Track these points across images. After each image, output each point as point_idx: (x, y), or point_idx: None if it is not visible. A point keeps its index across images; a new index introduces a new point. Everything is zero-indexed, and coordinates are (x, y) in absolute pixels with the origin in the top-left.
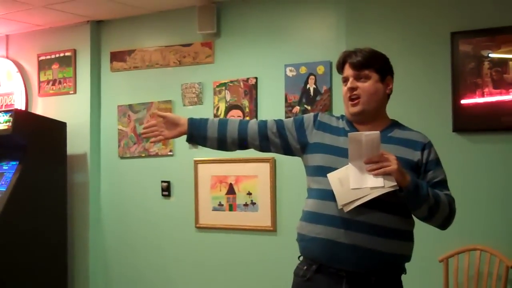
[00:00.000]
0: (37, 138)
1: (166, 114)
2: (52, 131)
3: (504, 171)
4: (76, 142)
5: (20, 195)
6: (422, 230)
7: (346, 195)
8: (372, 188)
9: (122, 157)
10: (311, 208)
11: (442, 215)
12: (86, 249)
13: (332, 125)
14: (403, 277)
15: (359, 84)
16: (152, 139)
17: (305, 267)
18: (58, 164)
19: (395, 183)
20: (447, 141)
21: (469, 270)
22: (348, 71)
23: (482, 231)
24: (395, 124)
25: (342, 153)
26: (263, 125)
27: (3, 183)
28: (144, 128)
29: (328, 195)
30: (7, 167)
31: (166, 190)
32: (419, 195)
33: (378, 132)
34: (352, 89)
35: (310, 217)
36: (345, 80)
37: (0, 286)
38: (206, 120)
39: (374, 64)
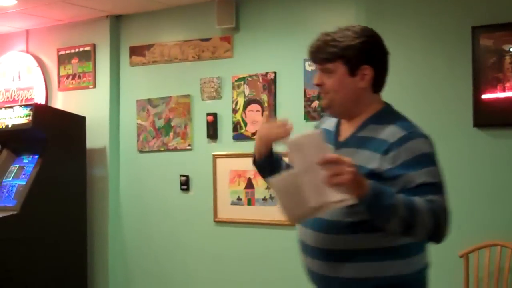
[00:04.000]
0: (56, 132)
1: None
2: (72, 125)
3: None
4: (96, 136)
5: (40, 189)
6: None
7: (295, 208)
8: (330, 202)
9: (141, 151)
10: (298, 235)
11: (423, 228)
12: (106, 243)
13: (331, 131)
14: None
15: (325, 79)
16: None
17: None
18: (77, 158)
19: (347, 197)
20: (467, 136)
21: (490, 266)
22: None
23: (502, 226)
24: (376, 117)
25: None
26: None
27: (23, 176)
28: None
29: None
30: (27, 161)
31: (185, 184)
32: (381, 207)
33: (318, 131)
34: (318, 85)
35: (299, 246)
36: None
37: (19, 280)
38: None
39: (338, 55)
